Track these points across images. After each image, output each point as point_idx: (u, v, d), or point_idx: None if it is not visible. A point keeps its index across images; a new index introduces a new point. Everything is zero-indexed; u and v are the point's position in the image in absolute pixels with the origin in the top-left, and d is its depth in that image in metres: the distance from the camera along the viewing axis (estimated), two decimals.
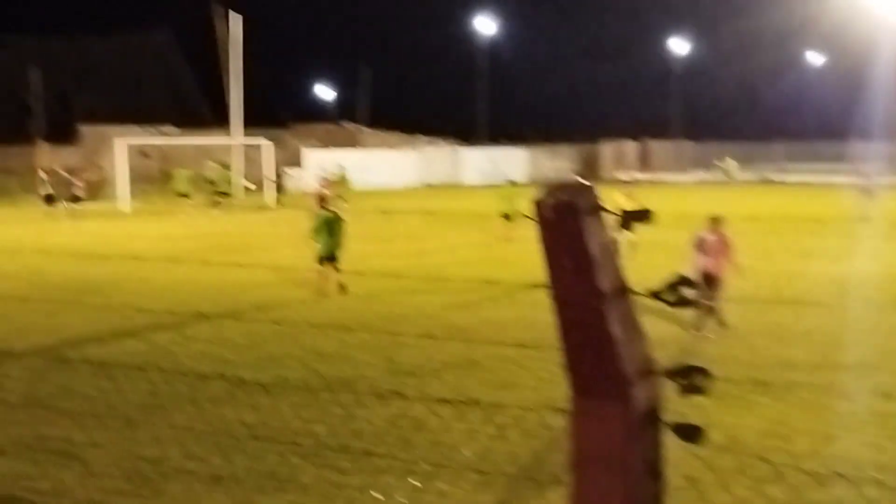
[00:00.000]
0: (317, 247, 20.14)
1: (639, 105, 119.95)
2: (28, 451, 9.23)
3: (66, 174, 43.64)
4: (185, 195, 45.60)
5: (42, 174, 44.16)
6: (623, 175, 76.22)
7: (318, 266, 20.06)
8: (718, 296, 15.41)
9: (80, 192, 42.40)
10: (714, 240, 15.59)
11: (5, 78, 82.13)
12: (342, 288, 19.61)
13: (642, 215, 2.94)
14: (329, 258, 20.03)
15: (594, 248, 2.72)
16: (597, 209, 2.77)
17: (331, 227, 20.18)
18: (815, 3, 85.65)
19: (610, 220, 2.84)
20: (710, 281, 15.28)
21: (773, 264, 22.73)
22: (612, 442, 2.75)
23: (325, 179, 32.76)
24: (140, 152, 62.71)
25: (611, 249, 2.79)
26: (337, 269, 19.91)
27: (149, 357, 13.53)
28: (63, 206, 41.31)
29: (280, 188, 50.38)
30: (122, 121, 71.79)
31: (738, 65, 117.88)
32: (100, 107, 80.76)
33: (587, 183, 2.90)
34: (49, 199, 42.23)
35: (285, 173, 51.27)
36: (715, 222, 15.83)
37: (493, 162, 73.87)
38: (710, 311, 15.25)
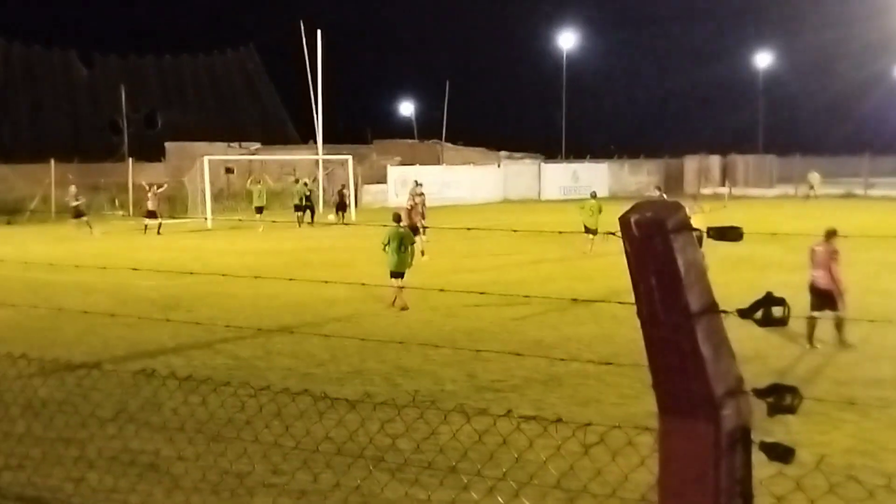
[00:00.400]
0: (387, 261, 20.54)
1: (722, 119, 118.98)
2: (117, 465, 9.38)
3: (151, 189, 44.20)
4: (260, 208, 46.05)
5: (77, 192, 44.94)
6: (707, 190, 75.58)
7: (392, 280, 20.38)
8: (839, 310, 15.29)
9: (155, 208, 42.83)
10: (822, 252, 15.54)
11: (94, 97, 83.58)
12: (405, 306, 19.89)
13: (732, 232, 2.92)
14: (397, 274, 20.37)
15: (682, 265, 2.71)
16: (684, 226, 2.76)
17: (399, 243, 20.48)
18: None
19: (698, 237, 2.83)
20: (820, 294, 15.23)
21: (860, 280, 22.41)
22: (700, 461, 2.73)
23: (414, 195, 32.82)
24: (225, 168, 63.47)
25: (699, 267, 2.78)
26: (401, 286, 20.17)
27: (235, 372, 13.69)
28: (154, 223, 41.76)
29: (358, 204, 50.55)
30: (207, 138, 72.73)
31: (823, 77, 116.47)
32: (185, 124, 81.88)
33: (674, 200, 2.89)
34: (78, 215, 42.84)
35: (361, 188, 51.37)
36: (828, 235, 15.81)
37: (575, 177, 73.70)
38: (839, 324, 15.21)
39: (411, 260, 20.98)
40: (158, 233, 41.14)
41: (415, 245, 21.42)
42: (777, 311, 2.73)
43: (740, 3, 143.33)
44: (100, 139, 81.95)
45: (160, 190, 44.90)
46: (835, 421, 10.93)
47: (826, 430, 10.50)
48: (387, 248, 20.66)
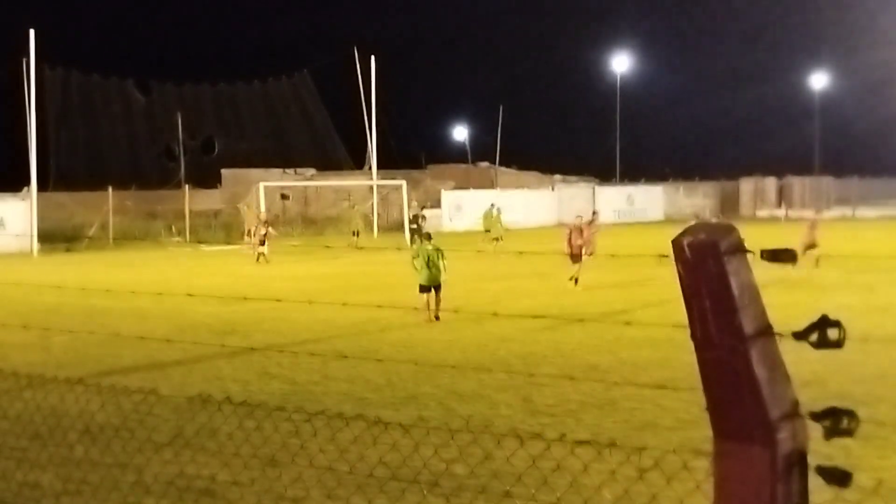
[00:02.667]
0: (419, 276, 22.04)
1: (778, 140, 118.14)
2: (174, 490, 9.42)
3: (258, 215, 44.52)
4: (356, 233, 46.78)
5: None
6: (763, 212, 75.06)
7: (420, 295, 21.80)
8: None
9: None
10: None
11: (151, 124, 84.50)
12: (436, 317, 21.32)
13: (785, 254, 2.90)
14: (430, 288, 21.69)
15: (736, 288, 2.69)
16: (738, 248, 2.75)
17: (427, 259, 21.95)
18: None
19: (752, 260, 2.81)
20: None
21: None
22: (756, 486, 2.70)
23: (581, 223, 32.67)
24: (280, 194, 63.87)
25: (753, 289, 2.76)
26: (438, 299, 21.62)
27: (290, 397, 13.73)
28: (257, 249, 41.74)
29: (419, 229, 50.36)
30: (262, 164, 73.24)
31: (880, 98, 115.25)
32: (241, 150, 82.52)
33: (727, 221, 2.87)
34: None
35: (422, 215, 51.30)
36: None
37: (629, 200, 73.47)
38: None
39: (442, 275, 22.03)
40: (257, 260, 40.85)
41: (444, 261, 22.37)
42: (833, 333, 2.70)
43: (796, 23, 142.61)
44: (156, 166, 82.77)
45: (263, 215, 44.87)
46: (894, 445, 10.79)
47: (885, 454, 10.36)
48: (415, 262, 22.43)
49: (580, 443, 6.10)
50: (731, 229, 2.78)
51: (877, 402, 12.60)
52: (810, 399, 2.64)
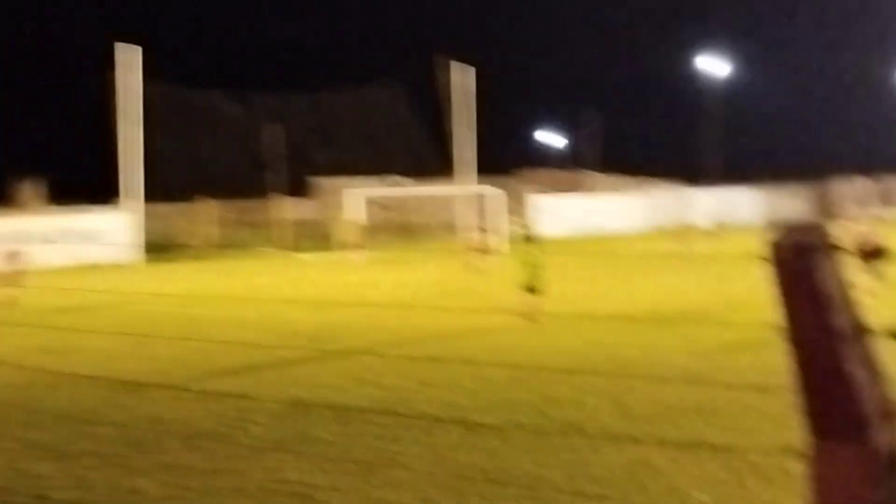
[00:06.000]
0: (520, 278, 22.40)
1: (875, 140, 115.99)
2: (272, 495, 9.53)
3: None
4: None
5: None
6: (860, 212, 73.78)
7: (522, 295, 22.10)
8: None
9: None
10: None
11: (245, 134, 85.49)
12: (534, 318, 21.43)
13: (880, 253, 2.87)
14: (531, 289, 22.07)
15: (830, 287, 2.68)
16: (832, 248, 2.73)
17: (525, 262, 22.68)
18: None
19: (847, 260, 2.79)
20: None
21: None
22: (852, 486, 2.68)
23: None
24: (380, 205, 64.22)
25: (847, 289, 2.74)
26: (536, 300, 21.95)
27: (384, 402, 13.80)
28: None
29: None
30: (355, 173, 73.66)
31: None
32: (334, 160, 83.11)
33: (821, 222, 2.86)
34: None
35: (525, 221, 50.91)
36: None
37: (724, 203, 72.65)
38: None
39: (540, 279, 22.38)
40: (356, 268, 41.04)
41: (542, 266, 22.91)
42: None
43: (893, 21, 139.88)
44: (254, 176, 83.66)
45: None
46: None
47: None
48: (517, 265, 23.16)
49: (675, 446, 6.04)
50: (824, 229, 2.76)
51: None
52: None
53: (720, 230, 37.39)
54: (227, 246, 54.42)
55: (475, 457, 9.16)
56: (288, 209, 61.91)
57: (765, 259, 2.76)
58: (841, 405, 2.68)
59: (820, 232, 2.72)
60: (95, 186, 58.01)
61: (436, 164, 79.58)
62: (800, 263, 2.68)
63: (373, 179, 72.36)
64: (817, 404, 2.72)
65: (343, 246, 50.14)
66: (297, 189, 75.44)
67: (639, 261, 33.34)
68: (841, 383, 2.67)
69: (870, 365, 2.70)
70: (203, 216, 56.40)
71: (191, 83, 78.62)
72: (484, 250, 38.13)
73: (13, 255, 27.80)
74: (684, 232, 37.41)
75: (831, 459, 2.72)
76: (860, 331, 2.71)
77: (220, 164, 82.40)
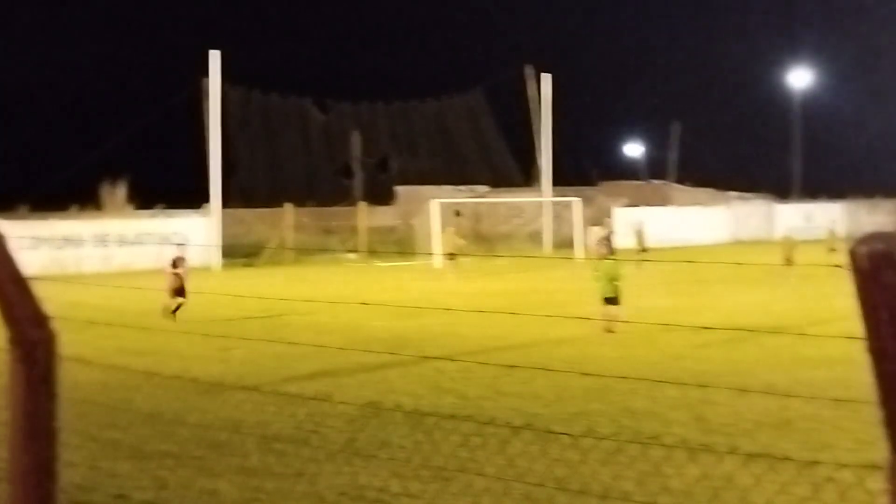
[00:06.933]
0: (598, 290, 22.77)
1: None
2: (346, 500, 9.57)
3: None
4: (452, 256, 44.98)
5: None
6: None
7: (601, 307, 22.34)
8: None
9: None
10: None
11: (329, 142, 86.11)
12: (611, 329, 21.76)
13: None
14: (610, 300, 22.45)
15: None
16: None
17: (606, 273, 22.98)
18: None
19: None
20: None
21: None
22: None
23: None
24: (454, 211, 64.35)
25: None
26: (616, 311, 22.32)
27: (460, 409, 13.80)
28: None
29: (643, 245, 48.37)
30: (435, 181, 73.91)
31: None
32: (415, 168, 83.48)
33: None
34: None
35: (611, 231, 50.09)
36: None
37: (808, 217, 71.80)
38: None
39: (620, 289, 22.81)
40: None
41: (621, 277, 23.40)
42: None
43: None
44: (333, 183, 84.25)
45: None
46: None
47: None
48: (595, 275, 23.36)
49: (751, 458, 5.97)
50: None
51: None
52: None
53: (794, 244, 36.91)
54: (307, 251, 54.79)
55: (550, 466, 9.12)
56: (368, 216, 62.25)
57: (844, 268, 2.71)
58: None
59: None
60: (182, 191, 58.75)
61: (514, 173, 79.56)
62: (880, 273, 2.62)
63: (454, 189, 72.52)
64: None
65: (423, 253, 50.25)
66: (379, 196, 75.82)
67: (719, 272, 33.00)
68: None
69: None
70: (284, 222, 56.87)
71: (275, 90, 79.45)
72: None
73: (179, 261, 27.27)
74: (786, 245, 37.09)
75: None
76: None
77: (302, 170, 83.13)
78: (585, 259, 46.45)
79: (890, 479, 2.71)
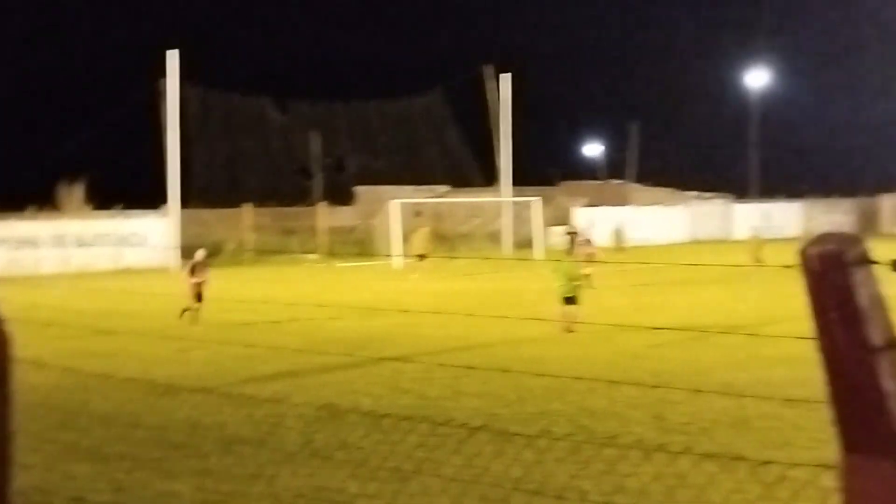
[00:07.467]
0: (557, 289, 22.78)
1: None
2: (303, 501, 9.54)
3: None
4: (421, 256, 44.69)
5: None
6: None
7: (560, 307, 22.43)
8: None
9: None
10: None
11: (288, 142, 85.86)
12: (571, 329, 21.86)
13: None
14: (569, 300, 22.52)
15: (863, 299, 2.65)
16: (866, 259, 2.70)
17: (565, 273, 23.10)
18: None
19: (880, 272, 2.76)
20: None
21: None
22: (883, 501, 2.65)
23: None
24: (414, 212, 64.35)
25: (881, 301, 2.70)
26: (575, 311, 22.38)
27: (418, 410, 13.79)
28: None
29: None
30: (395, 181, 73.86)
31: None
32: (374, 168, 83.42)
33: (857, 234, 2.82)
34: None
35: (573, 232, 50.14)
36: None
37: (766, 217, 72.29)
38: None
39: (579, 289, 23.10)
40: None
41: (580, 277, 24.06)
42: None
43: None
44: (292, 184, 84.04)
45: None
46: None
47: None
48: (555, 275, 23.45)
49: (707, 458, 6.01)
50: (858, 240, 2.73)
51: None
52: None
53: (761, 243, 37.24)
54: (267, 252, 54.65)
55: (507, 466, 9.13)
56: (328, 216, 62.13)
57: (797, 268, 2.73)
58: (873, 419, 2.64)
59: (852, 242, 2.69)
60: (140, 191, 58.38)
61: (475, 173, 79.61)
62: (831, 274, 2.64)
63: (414, 189, 72.49)
64: (848, 418, 2.69)
65: (382, 254, 50.22)
66: (338, 197, 75.71)
67: (675, 273, 33.18)
68: (873, 397, 2.63)
69: None
70: (244, 222, 56.66)
71: (234, 90, 79.14)
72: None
73: (199, 267, 26.22)
74: (753, 244, 37.44)
75: (862, 474, 2.69)
76: (893, 343, 2.67)
77: (262, 171, 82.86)
78: (546, 259, 46.55)
79: (841, 478, 2.73)
